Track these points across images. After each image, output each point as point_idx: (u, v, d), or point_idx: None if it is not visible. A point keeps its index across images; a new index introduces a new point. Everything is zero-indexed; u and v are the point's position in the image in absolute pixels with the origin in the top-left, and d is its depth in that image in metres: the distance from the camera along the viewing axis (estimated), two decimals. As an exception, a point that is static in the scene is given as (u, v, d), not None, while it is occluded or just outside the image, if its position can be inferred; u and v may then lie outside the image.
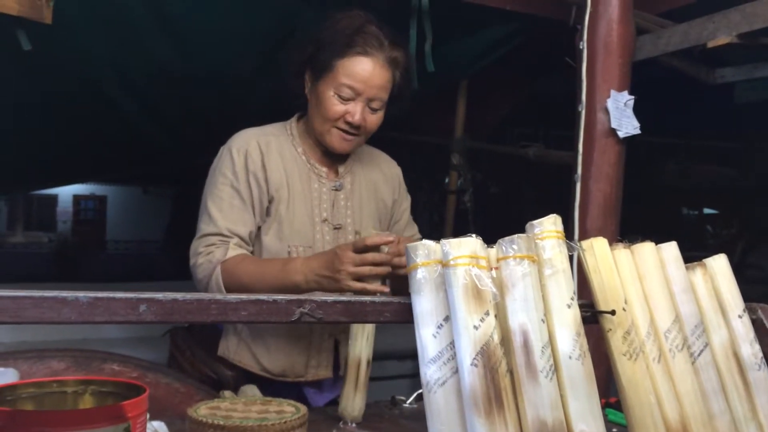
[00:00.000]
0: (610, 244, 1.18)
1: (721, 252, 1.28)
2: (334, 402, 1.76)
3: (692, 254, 1.29)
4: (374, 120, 1.79)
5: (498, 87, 4.07)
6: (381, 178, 1.97)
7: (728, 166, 7.13)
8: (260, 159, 1.78)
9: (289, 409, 1.28)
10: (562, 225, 1.12)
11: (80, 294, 0.87)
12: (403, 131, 4.43)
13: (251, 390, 1.67)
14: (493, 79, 3.80)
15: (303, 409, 1.28)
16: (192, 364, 1.90)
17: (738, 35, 2.03)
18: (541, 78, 4.05)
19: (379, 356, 3.21)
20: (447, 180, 3.68)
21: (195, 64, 2.45)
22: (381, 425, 1.62)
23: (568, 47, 2.39)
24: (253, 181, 1.77)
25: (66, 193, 15.96)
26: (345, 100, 1.73)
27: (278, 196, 1.79)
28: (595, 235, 1.18)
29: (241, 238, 1.74)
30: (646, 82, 2.35)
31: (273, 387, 1.77)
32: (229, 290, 1.66)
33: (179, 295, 0.92)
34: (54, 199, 16.16)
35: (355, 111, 1.73)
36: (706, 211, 9.83)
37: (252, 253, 1.78)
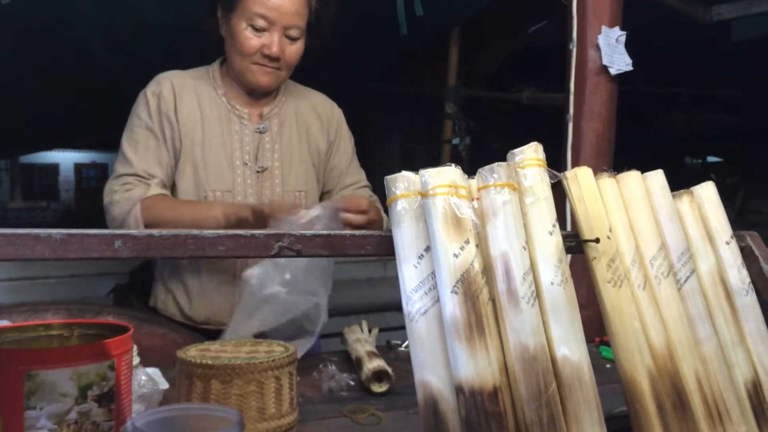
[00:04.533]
0: (601, 179, 1.16)
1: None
2: None
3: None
4: (294, 51, 1.71)
5: (493, 35, 4.01)
6: (315, 121, 1.88)
7: (730, 113, 7.05)
8: (173, 100, 1.74)
9: (279, 349, 1.28)
10: (544, 154, 1.10)
11: (53, 231, 0.86)
12: (399, 84, 4.39)
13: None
14: (488, 28, 3.74)
15: (292, 348, 1.28)
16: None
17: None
18: (538, 30, 3.99)
19: (378, 308, 3.25)
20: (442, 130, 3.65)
21: (181, 16, 2.41)
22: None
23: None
24: (165, 122, 1.73)
25: (67, 161, 15.93)
26: (259, 31, 1.65)
27: (191, 137, 1.75)
28: (589, 175, 1.16)
29: (161, 179, 1.72)
30: (643, 29, 2.29)
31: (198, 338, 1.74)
32: (147, 226, 1.64)
33: (155, 231, 0.92)
34: (56, 168, 16.13)
35: (272, 42, 1.66)
36: (710, 159, 9.77)
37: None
